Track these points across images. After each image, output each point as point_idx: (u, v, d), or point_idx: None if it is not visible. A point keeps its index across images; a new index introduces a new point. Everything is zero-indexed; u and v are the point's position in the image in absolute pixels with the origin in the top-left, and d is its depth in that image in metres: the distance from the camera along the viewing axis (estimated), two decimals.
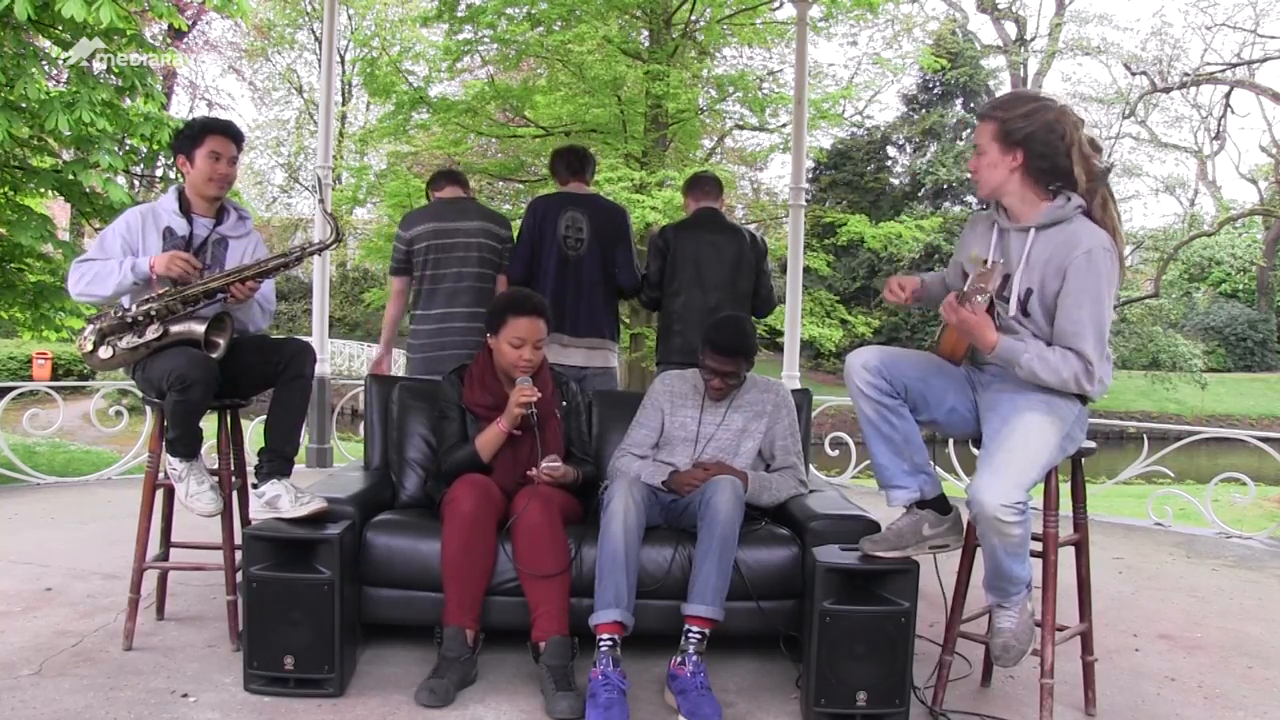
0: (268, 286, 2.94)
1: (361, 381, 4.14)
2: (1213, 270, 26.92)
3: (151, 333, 2.64)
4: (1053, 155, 2.24)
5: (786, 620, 2.69)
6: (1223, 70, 23.13)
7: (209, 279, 2.71)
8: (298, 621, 2.42)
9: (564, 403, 3.07)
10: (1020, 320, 2.29)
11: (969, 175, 2.43)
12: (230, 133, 2.85)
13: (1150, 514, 5.23)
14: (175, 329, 2.66)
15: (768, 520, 2.90)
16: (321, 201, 3.01)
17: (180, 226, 2.82)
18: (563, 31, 11.97)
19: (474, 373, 2.97)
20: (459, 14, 11.98)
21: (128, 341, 2.66)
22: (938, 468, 2.58)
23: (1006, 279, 2.31)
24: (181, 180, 2.90)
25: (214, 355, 2.65)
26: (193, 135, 2.80)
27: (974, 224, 2.51)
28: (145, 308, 2.66)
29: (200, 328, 2.65)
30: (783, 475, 3.01)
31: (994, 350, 2.22)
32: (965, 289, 2.25)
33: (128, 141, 6.78)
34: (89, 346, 2.71)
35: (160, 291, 2.67)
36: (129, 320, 2.66)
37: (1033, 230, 2.27)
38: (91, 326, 2.71)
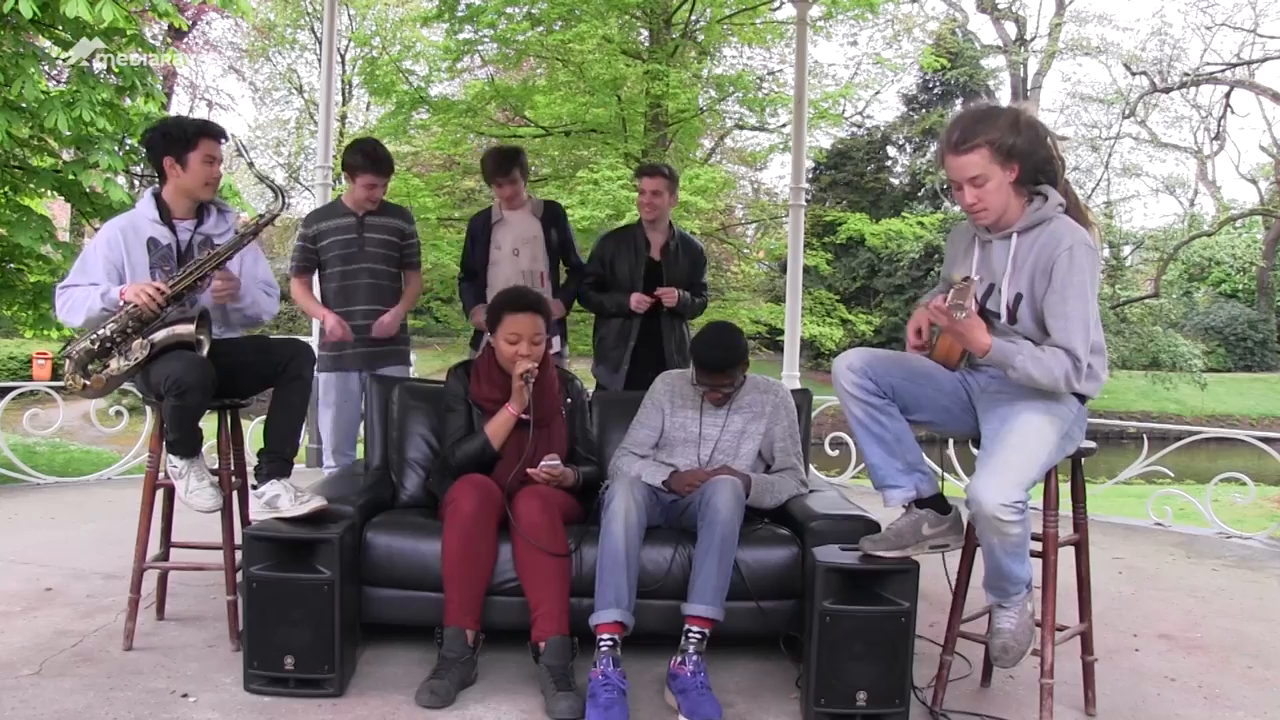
0: (263, 269, 2.93)
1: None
2: (1213, 270, 26.90)
3: (139, 350, 2.61)
4: (1038, 152, 2.24)
5: (786, 620, 2.69)
6: (1223, 70, 23.13)
7: (172, 283, 2.67)
8: (298, 621, 2.42)
9: (568, 400, 3.09)
10: (1011, 327, 2.29)
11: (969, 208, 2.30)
12: (221, 134, 2.83)
13: (1150, 514, 5.22)
14: (159, 337, 2.63)
15: (768, 520, 2.90)
16: (251, 165, 2.88)
17: (163, 235, 2.78)
18: (563, 31, 11.98)
19: (481, 369, 3.00)
20: (459, 14, 11.99)
21: (116, 366, 2.63)
22: (937, 468, 2.58)
23: (991, 288, 2.31)
24: (157, 184, 2.83)
25: (201, 352, 2.64)
26: (185, 139, 2.74)
27: (955, 239, 2.50)
28: (109, 330, 2.61)
29: (188, 329, 2.64)
30: (783, 476, 3.01)
31: (988, 353, 2.21)
32: (946, 304, 2.22)
33: (128, 141, 6.77)
34: (79, 384, 2.66)
35: (120, 310, 2.62)
36: (106, 347, 2.62)
37: (1014, 236, 2.27)
38: (69, 362, 2.66)
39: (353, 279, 3.81)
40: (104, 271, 2.70)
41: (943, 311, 2.21)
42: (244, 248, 2.81)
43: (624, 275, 4.18)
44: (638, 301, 4.09)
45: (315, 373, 3.86)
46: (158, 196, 2.81)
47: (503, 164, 4.06)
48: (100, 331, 2.62)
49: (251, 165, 2.90)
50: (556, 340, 4.13)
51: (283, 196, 2.87)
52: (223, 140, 2.82)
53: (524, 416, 2.87)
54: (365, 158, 3.73)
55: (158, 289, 2.62)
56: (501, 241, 4.09)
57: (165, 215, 2.80)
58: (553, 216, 4.19)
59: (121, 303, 2.62)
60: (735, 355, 2.96)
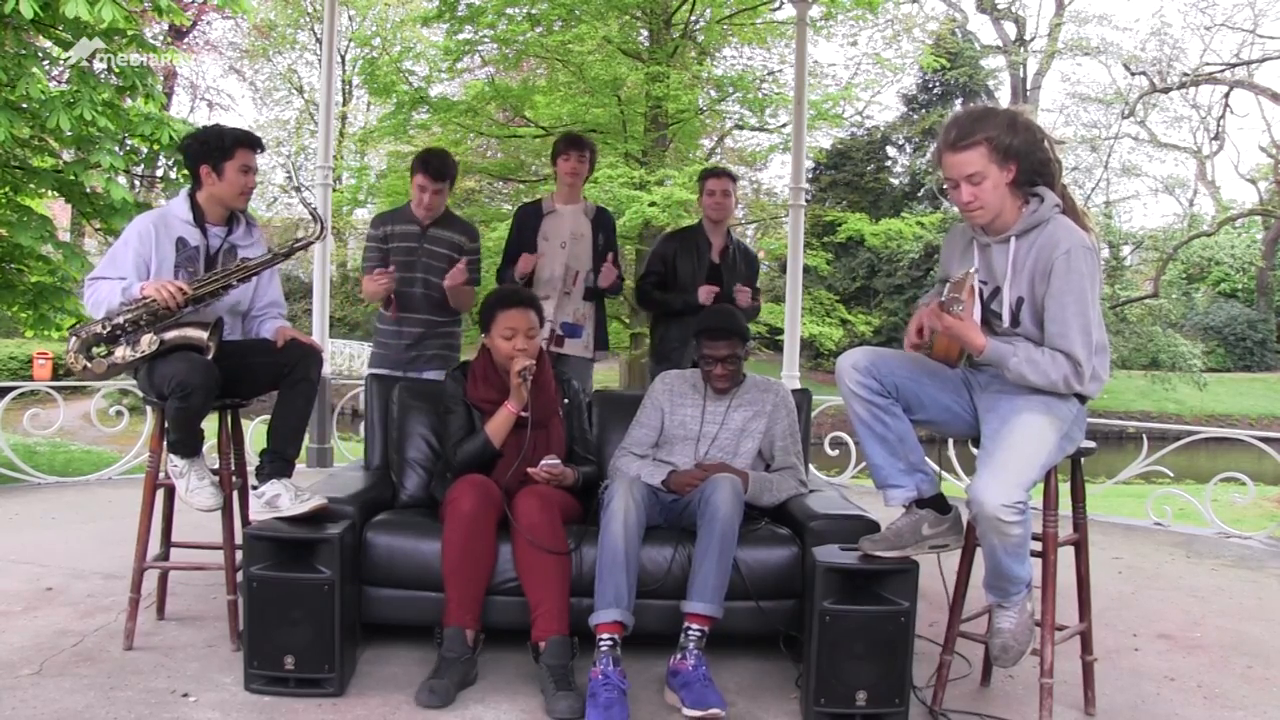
0: (275, 289, 2.97)
1: (362, 381, 4.15)
2: (1212, 270, 26.90)
3: (148, 344, 2.61)
4: (1035, 153, 2.24)
5: (786, 620, 2.70)
6: (1222, 70, 23.12)
7: (195, 285, 2.68)
8: (298, 621, 2.42)
9: (565, 400, 3.09)
10: (1014, 330, 2.29)
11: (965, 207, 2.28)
12: (259, 145, 2.85)
13: (1150, 514, 5.23)
14: (170, 335, 2.63)
15: (768, 520, 2.90)
16: (297, 189, 2.96)
17: (193, 237, 2.79)
18: (563, 31, 11.99)
19: (476, 370, 3.00)
20: (459, 14, 11.99)
21: (122, 355, 2.63)
22: (937, 468, 2.58)
23: (997, 291, 2.31)
24: (191, 186, 2.85)
25: (207, 357, 2.65)
26: (223, 148, 2.76)
27: (952, 241, 2.50)
28: (123, 319, 2.62)
29: (200, 334, 2.64)
30: (782, 475, 3.01)
31: (983, 353, 2.22)
32: (943, 299, 2.23)
33: (128, 141, 6.78)
34: (80, 364, 2.66)
35: (139, 301, 2.63)
36: (115, 334, 2.63)
37: (1013, 239, 2.27)
38: (74, 339, 2.66)
39: (408, 286, 3.84)
40: (134, 266, 2.71)
41: (935, 313, 2.22)
42: (272, 267, 2.84)
43: (686, 275, 4.22)
44: (706, 293, 4.11)
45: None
46: (193, 198, 2.82)
47: (577, 140, 4.17)
48: (114, 319, 2.63)
49: (299, 190, 2.95)
50: (582, 344, 4.14)
51: (322, 225, 2.95)
52: (260, 150, 2.84)
53: (523, 414, 2.87)
54: (419, 159, 3.85)
55: (179, 288, 2.63)
56: (550, 233, 4.09)
57: (199, 218, 2.81)
58: (603, 222, 4.22)
59: (140, 296, 2.63)
60: (735, 322, 3.01)
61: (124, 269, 2.70)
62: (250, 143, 2.82)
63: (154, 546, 2.92)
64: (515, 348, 2.88)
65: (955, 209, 2.33)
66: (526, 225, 4.13)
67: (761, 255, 18.35)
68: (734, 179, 4.40)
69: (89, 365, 2.66)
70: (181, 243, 2.78)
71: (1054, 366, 2.19)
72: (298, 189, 3.02)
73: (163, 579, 3.08)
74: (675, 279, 4.24)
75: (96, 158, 6.09)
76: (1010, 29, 24.92)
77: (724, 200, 4.26)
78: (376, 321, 3.97)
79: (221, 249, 2.84)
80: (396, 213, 3.99)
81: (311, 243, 2.94)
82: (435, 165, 3.81)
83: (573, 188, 4.14)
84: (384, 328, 3.92)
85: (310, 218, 2.97)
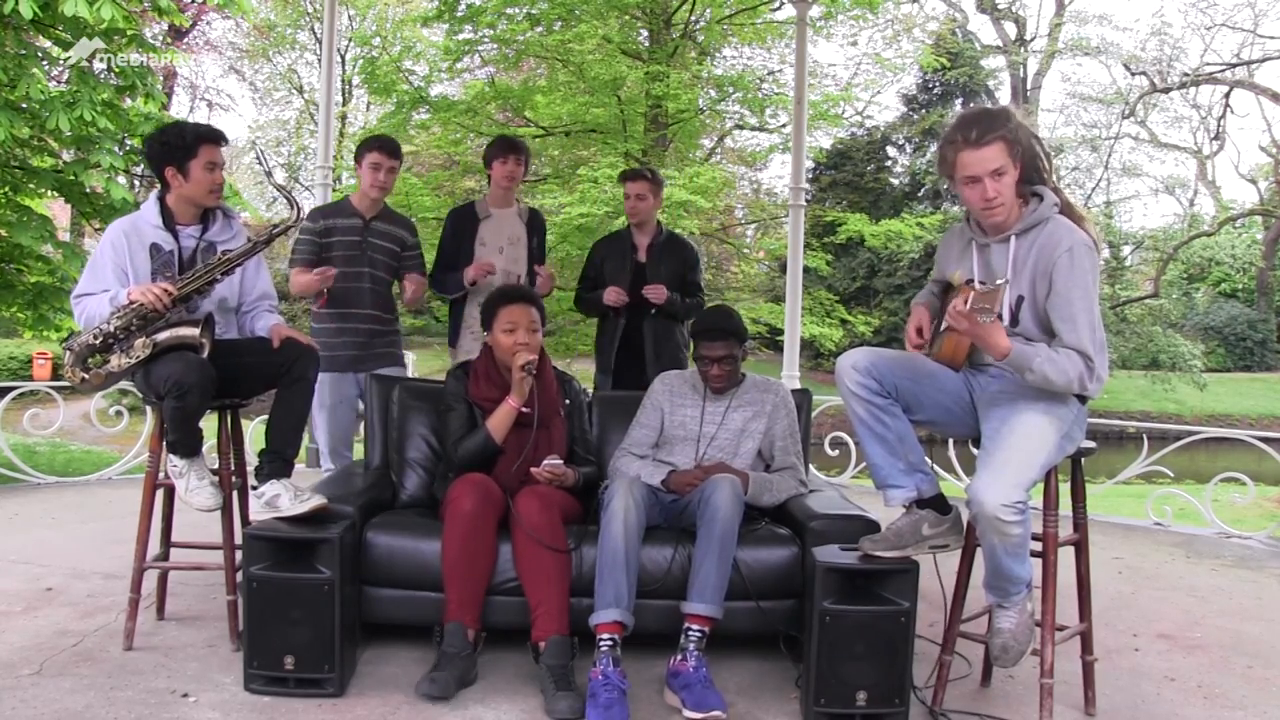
0: (264, 281, 2.95)
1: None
2: (1212, 270, 26.90)
3: (142, 349, 2.61)
4: (1033, 151, 2.25)
5: (786, 620, 2.70)
6: (1222, 70, 23.13)
7: (181, 284, 2.67)
8: (298, 621, 2.43)
9: (567, 400, 3.09)
10: (1013, 330, 2.28)
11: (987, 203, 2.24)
12: (222, 139, 2.81)
13: (1150, 514, 5.23)
14: (162, 337, 2.63)
15: (768, 520, 2.90)
16: (269, 174, 2.91)
17: (165, 241, 2.78)
18: (563, 31, 11.98)
19: (479, 369, 3.00)
20: (459, 14, 11.98)
21: (117, 363, 2.63)
22: (937, 467, 2.58)
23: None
24: (160, 189, 2.82)
25: (202, 355, 2.64)
26: (186, 146, 2.73)
27: (949, 242, 2.49)
28: (113, 326, 2.62)
29: (192, 331, 2.64)
30: (782, 475, 3.01)
31: (1008, 356, 2.19)
32: (969, 308, 2.18)
33: (128, 141, 6.78)
34: (77, 377, 2.66)
35: (127, 307, 2.62)
36: (108, 342, 2.62)
37: (1013, 238, 2.27)
38: (69, 354, 2.66)
39: (355, 281, 3.80)
40: (114, 276, 2.70)
41: (964, 315, 2.16)
42: (254, 255, 2.82)
43: (611, 276, 4.22)
44: (608, 294, 4.12)
45: None
46: (162, 201, 2.80)
47: (513, 144, 4.15)
48: (104, 326, 2.63)
49: (270, 175, 2.92)
50: None
51: (298, 208, 2.90)
52: (224, 144, 2.82)
53: (524, 410, 2.87)
54: (369, 141, 3.87)
55: (165, 290, 2.62)
56: (487, 238, 4.07)
57: (169, 221, 2.79)
58: (537, 224, 4.22)
59: (128, 302, 2.62)
60: (731, 322, 3.01)
61: (106, 281, 2.70)
62: (213, 137, 2.78)
63: (154, 546, 2.92)
64: (516, 342, 2.88)
65: (955, 209, 2.33)
66: (463, 230, 4.09)
67: (761, 255, 18.37)
68: (653, 180, 4.25)
69: (86, 377, 2.66)
70: (155, 249, 2.76)
71: (1071, 365, 2.18)
72: (269, 174, 2.94)
73: (163, 579, 3.07)
74: (603, 280, 4.25)
75: (96, 158, 6.09)
76: (1010, 29, 24.93)
77: (638, 204, 4.20)
78: (313, 322, 3.85)
79: (198, 248, 2.82)
80: (336, 206, 3.93)
81: (290, 227, 2.88)
82: (389, 143, 3.84)
83: (508, 191, 4.13)
84: (325, 326, 3.81)
85: (286, 202, 2.88)
